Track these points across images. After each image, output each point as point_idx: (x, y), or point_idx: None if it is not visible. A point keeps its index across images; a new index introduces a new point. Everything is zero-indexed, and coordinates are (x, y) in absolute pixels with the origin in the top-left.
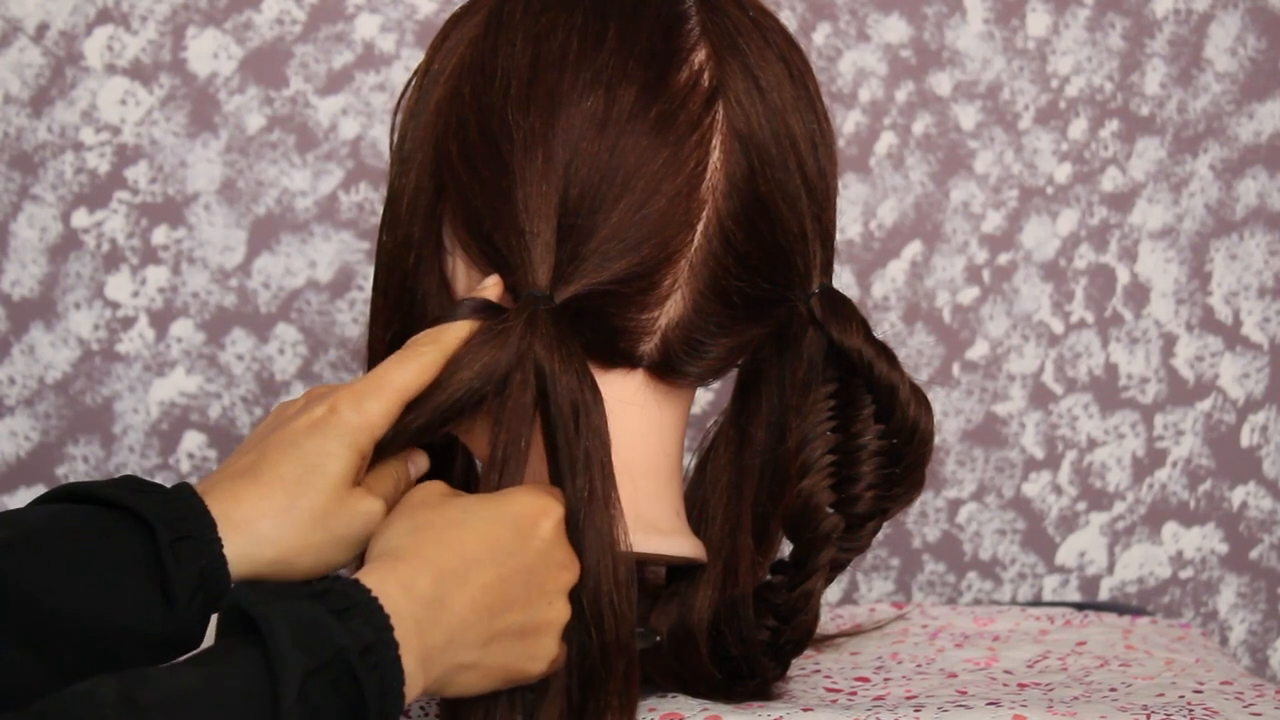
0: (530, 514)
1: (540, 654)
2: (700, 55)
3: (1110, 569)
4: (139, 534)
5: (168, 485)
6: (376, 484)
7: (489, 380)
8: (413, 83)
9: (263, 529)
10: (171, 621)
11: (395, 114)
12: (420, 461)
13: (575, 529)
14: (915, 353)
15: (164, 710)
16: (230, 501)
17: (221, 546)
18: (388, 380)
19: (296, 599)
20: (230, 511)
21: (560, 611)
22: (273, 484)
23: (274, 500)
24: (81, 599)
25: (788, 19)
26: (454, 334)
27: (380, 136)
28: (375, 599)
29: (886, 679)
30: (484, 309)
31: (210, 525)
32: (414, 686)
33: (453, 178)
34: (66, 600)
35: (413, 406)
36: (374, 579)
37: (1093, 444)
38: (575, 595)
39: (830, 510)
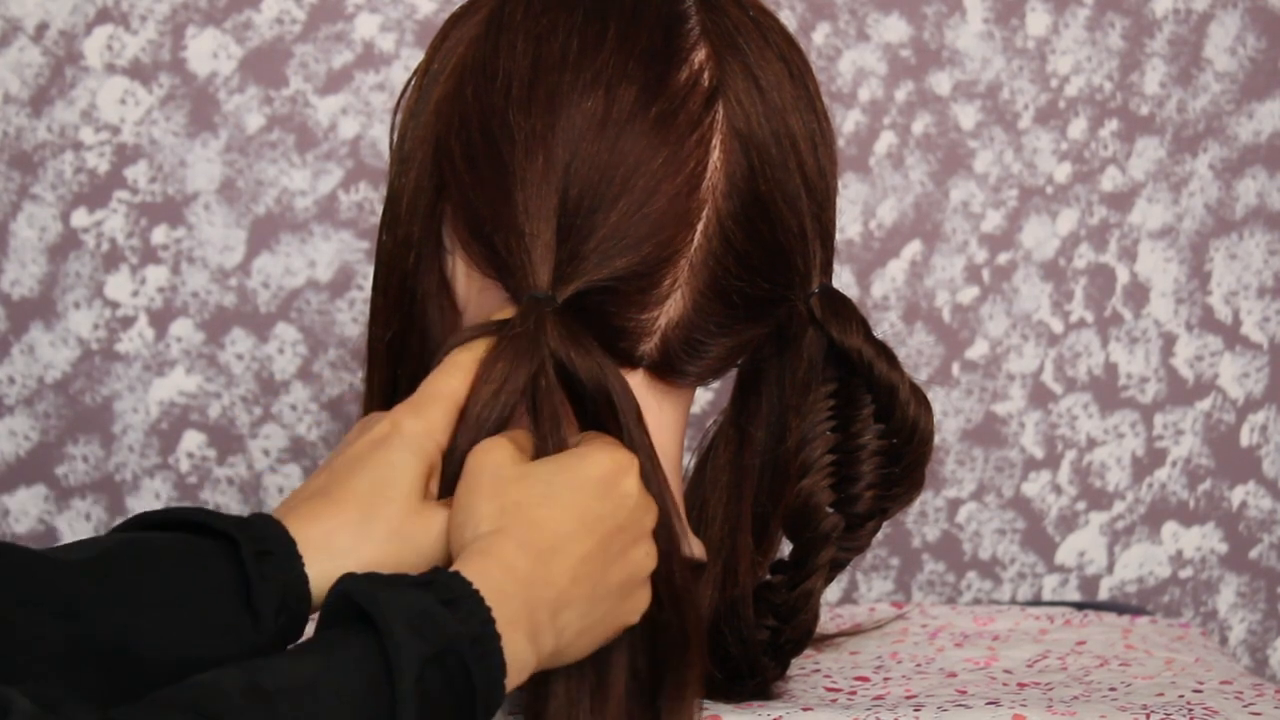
0: (612, 474)
1: (637, 605)
2: (700, 55)
3: (1110, 568)
4: (221, 554)
5: (168, 484)
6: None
7: (515, 390)
8: (412, 82)
9: (340, 544)
10: (252, 639)
11: (395, 113)
12: None
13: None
14: (915, 352)
15: (290, 696)
16: (306, 521)
17: (302, 564)
18: (437, 389)
19: (405, 588)
20: (307, 529)
21: (649, 557)
22: (346, 500)
23: (349, 515)
24: (160, 628)
25: (788, 19)
26: (484, 345)
27: (380, 136)
28: (477, 591)
29: (886, 678)
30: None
31: (289, 543)
32: (527, 665)
33: (454, 177)
34: (144, 630)
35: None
36: (474, 567)
37: (1092, 443)
38: (655, 537)
39: (830, 510)
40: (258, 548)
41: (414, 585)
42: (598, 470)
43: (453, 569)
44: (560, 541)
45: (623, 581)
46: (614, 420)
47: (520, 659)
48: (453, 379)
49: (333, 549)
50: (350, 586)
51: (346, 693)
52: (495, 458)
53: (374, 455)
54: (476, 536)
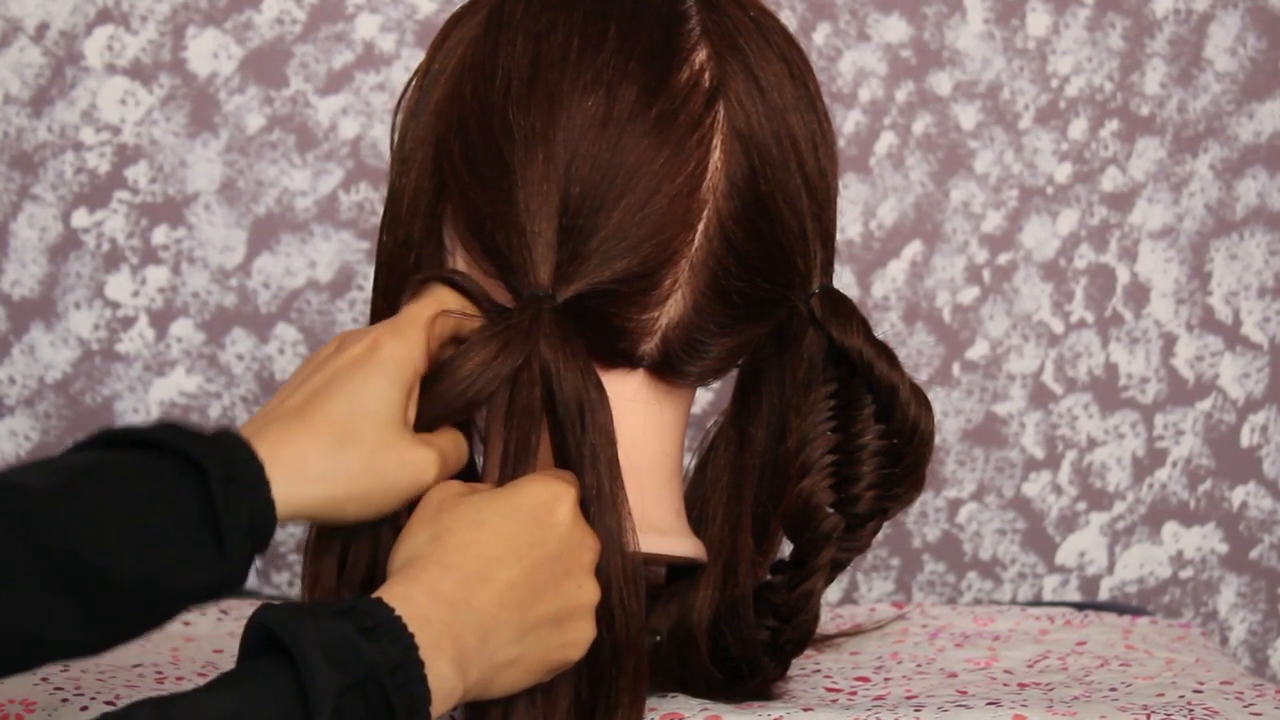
0: (545, 502)
1: (577, 639)
2: (701, 55)
3: (1110, 569)
4: (188, 476)
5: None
6: (437, 438)
7: (495, 378)
8: (413, 82)
9: (311, 467)
10: (220, 567)
11: (395, 114)
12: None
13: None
14: (915, 353)
15: None
16: (276, 443)
17: (269, 489)
18: (419, 314)
19: (323, 617)
20: (277, 452)
21: (590, 593)
22: (320, 424)
23: (322, 438)
24: (129, 550)
25: (788, 19)
26: (449, 293)
27: (380, 136)
28: (399, 618)
29: (886, 679)
30: (452, 282)
31: (257, 467)
32: (454, 692)
33: (453, 177)
34: (113, 553)
35: (424, 402)
36: (398, 590)
37: (1093, 444)
38: (600, 573)
39: (830, 510)
40: (225, 472)
41: (332, 614)
42: (530, 498)
43: (375, 595)
44: (487, 566)
45: (555, 612)
46: (582, 431)
47: (445, 685)
48: (426, 306)
49: (303, 472)
50: (266, 617)
51: None
52: (443, 492)
53: (352, 378)
54: (408, 559)
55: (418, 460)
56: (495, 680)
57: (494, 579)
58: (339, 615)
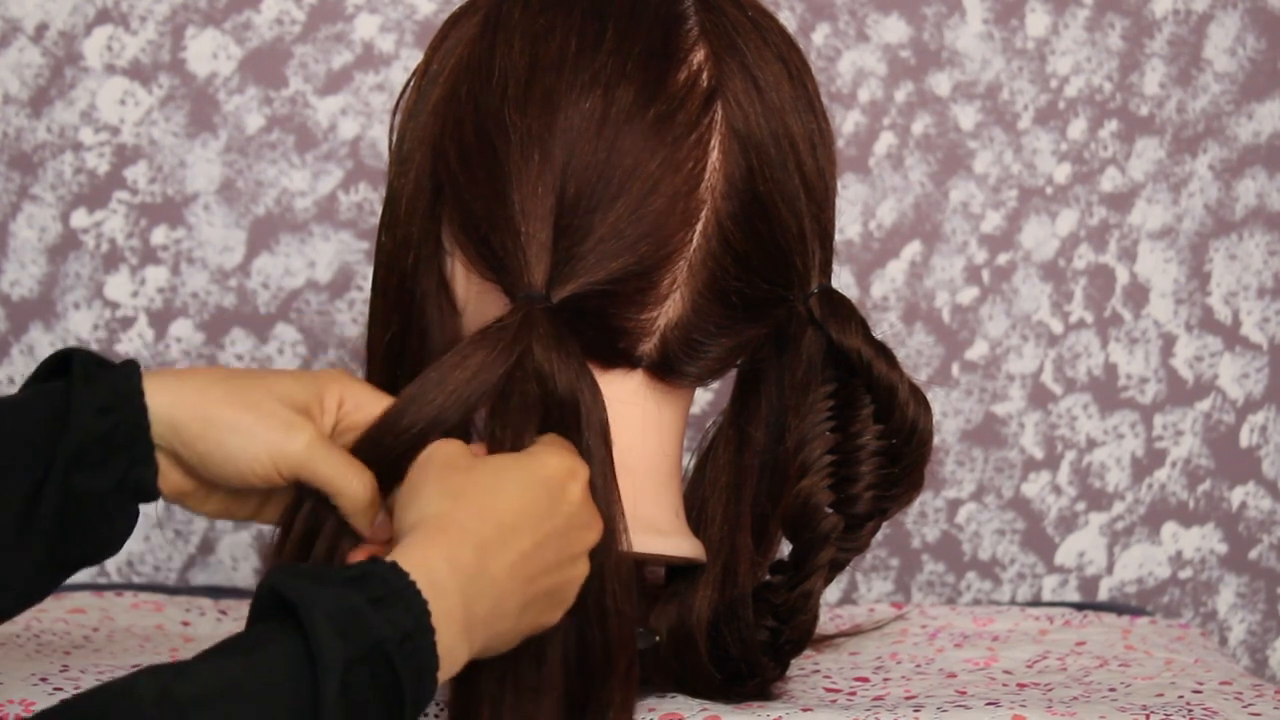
0: (560, 476)
1: (559, 608)
2: (699, 55)
3: (1109, 569)
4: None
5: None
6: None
7: (487, 382)
8: (411, 83)
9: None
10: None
11: (394, 114)
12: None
13: None
14: (915, 353)
15: (205, 706)
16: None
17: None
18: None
19: (335, 585)
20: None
21: (582, 569)
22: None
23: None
24: None
25: (787, 19)
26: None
27: (379, 137)
28: (413, 584)
29: (886, 679)
30: None
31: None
32: (458, 660)
33: (450, 179)
34: None
35: (406, 411)
36: (417, 554)
37: (1092, 444)
38: (593, 552)
39: (829, 510)
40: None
41: (344, 581)
42: (546, 470)
43: (391, 557)
44: (503, 535)
45: (553, 587)
46: (577, 430)
47: (454, 653)
48: None
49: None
50: (278, 581)
51: (266, 698)
52: (448, 450)
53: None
54: (421, 518)
55: (307, 433)
56: (490, 646)
57: (508, 549)
58: (351, 583)
